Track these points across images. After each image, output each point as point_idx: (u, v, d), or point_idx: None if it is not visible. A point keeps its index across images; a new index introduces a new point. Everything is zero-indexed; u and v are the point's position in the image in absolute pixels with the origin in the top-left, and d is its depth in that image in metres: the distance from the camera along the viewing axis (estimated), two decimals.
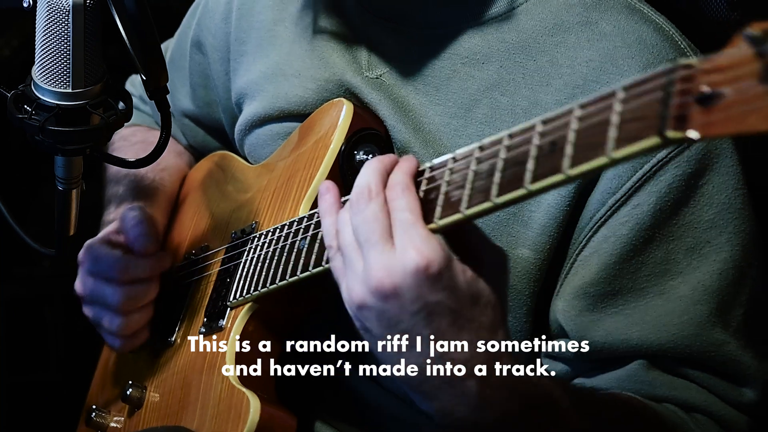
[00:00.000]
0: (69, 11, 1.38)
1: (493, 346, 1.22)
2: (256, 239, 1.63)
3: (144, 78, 1.46)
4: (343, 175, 1.59)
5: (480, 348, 1.22)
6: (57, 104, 1.43)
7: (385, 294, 1.19)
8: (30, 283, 2.93)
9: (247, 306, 1.59)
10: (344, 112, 1.62)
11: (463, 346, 1.21)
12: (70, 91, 1.43)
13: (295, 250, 1.50)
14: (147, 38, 1.41)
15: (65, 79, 1.42)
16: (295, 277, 1.48)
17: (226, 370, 1.55)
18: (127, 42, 1.41)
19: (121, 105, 1.49)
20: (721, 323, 1.46)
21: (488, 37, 1.59)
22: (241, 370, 1.55)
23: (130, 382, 1.74)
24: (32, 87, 1.44)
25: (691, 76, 0.97)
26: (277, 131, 1.77)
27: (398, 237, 1.20)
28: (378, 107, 1.64)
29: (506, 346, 1.24)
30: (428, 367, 1.21)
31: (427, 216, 1.21)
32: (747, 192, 1.50)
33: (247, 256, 1.64)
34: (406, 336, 1.21)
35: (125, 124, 1.51)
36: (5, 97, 1.47)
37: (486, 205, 1.15)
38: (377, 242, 1.20)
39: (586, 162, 1.05)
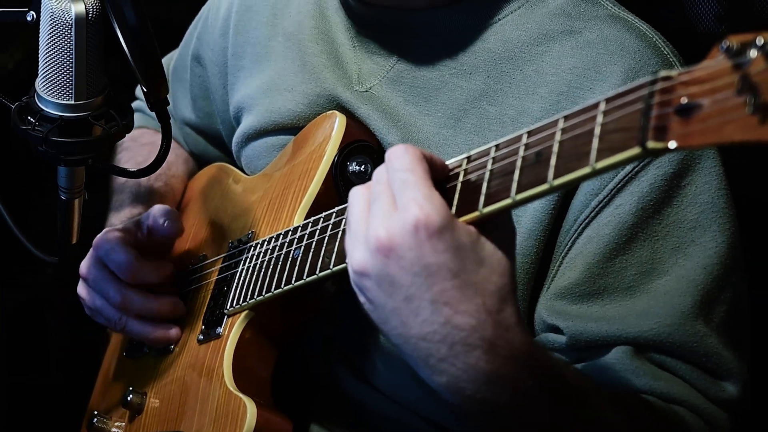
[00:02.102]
0: (72, 25, 1.39)
1: (500, 313, 1.14)
2: (253, 248, 1.64)
3: (145, 90, 1.46)
4: (337, 185, 1.60)
5: (485, 317, 1.13)
6: (60, 116, 1.43)
7: (383, 252, 1.13)
8: (32, 289, 2.92)
9: (243, 314, 1.59)
10: (337, 124, 1.63)
11: (467, 311, 1.12)
12: (72, 102, 1.43)
13: (290, 259, 1.51)
14: (148, 51, 1.42)
15: (68, 91, 1.42)
16: (290, 286, 1.49)
17: (223, 376, 1.55)
18: (128, 55, 1.42)
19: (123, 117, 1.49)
20: (703, 316, 1.45)
21: (474, 48, 1.60)
22: (239, 376, 1.55)
23: (131, 388, 1.73)
24: (36, 99, 1.44)
25: (670, 88, 0.98)
26: (272, 143, 1.78)
27: (399, 196, 1.14)
28: (368, 120, 1.64)
29: (515, 317, 1.15)
30: (432, 336, 1.14)
31: None
32: (730, 193, 1.50)
33: (244, 265, 1.64)
34: (408, 302, 1.13)
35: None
36: (9, 109, 1.47)
37: (474, 214, 1.15)
38: (381, 206, 1.15)
39: (570, 172, 1.05)
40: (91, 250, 1.74)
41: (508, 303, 1.16)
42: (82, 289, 1.76)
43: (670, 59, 1.53)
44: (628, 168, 1.46)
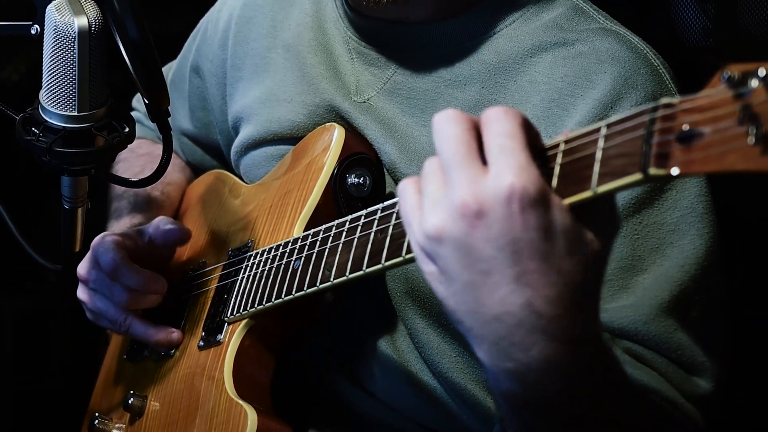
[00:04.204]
0: (75, 38, 1.38)
1: (583, 307, 1.05)
2: (253, 257, 1.63)
3: (146, 102, 1.45)
4: (336, 197, 1.59)
5: (569, 308, 1.03)
6: (63, 126, 1.43)
7: (469, 219, 1.01)
8: (37, 296, 2.92)
9: (244, 322, 1.59)
10: (336, 136, 1.62)
11: (551, 298, 1.02)
12: (75, 114, 1.43)
13: (291, 269, 1.50)
14: (149, 63, 1.41)
15: (71, 102, 1.42)
16: (291, 296, 1.48)
17: (224, 383, 1.54)
18: (130, 67, 1.41)
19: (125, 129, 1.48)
20: (678, 312, 1.45)
21: (470, 59, 1.60)
22: (239, 383, 1.55)
23: (132, 391, 1.73)
24: (39, 110, 1.44)
25: (672, 115, 0.96)
26: (271, 153, 1.77)
27: (495, 162, 1.02)
28: (366, 130, 1.64)
29: (596, 312, 1.07)
30: (508, 317, 1.03)
31: None
32: (711, 199, 1.50)
33: (244, 273, 1.63)
34: (486, 276, 1.02)
35: None
36: (14, 120, 1.47)
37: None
38: (462, 163, 1.03)
39: (571, 196, 1.03)
40: (89, 252, 1.73)
41: (592, 298, 1.08)
42: (82, 293, 1.75)
43: (660, 71, 1.53)
44: None
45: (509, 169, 1.00)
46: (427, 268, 1.07)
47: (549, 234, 1.01)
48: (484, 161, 1.04)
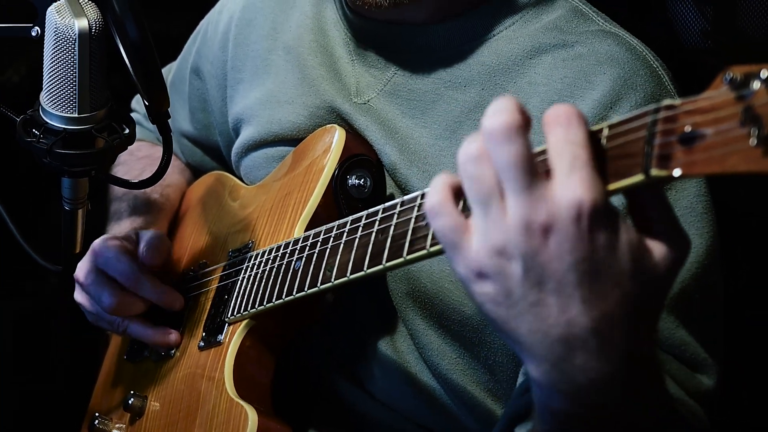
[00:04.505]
0: (75, 40, 1.38)
1: (644, 331, 1.02)
2: (254, 258, 1.63)
3: (146, 103, 1.45)
4: (337, 199, 1.59)
5: (632, 332, 1.00)
6: (64, 128, 1.43)
7: (538, 232, 0.96)
8: (38, 297, 2.92)
9: (244, 322, 1.58)
10: (336, 137, 1.62)
11: (618, 321, 0.98)
12: (76, 115, 1.42)
13: (291, 270, 1.50)
14: (149, 65, 1.41)
15: (72, 104, 1.42)
16: (291, 297, 1.48)
17: (224, 383, 1.54)
18: (130, 69, 1.41)
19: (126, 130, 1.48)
20: (679, 310, 1.45)
21: (469, 61, 1.60)
22: (239, 383, 1.54)
23: (132, 391, 1.73)
24: (40, 112, 1.44)
25: (674, 117, 0.96)
26: (271, 154, 1.77)
27: (564, 170, 0.96)
28: (366, 131, 1.64)
29: (654, 335, 1.05)
30: (574, 340, 0.99)
31: None
32: (710, 200, 1.50)
33: (245, 274, 1.63)
34: (557, 295, 0.98)
35: None
36: (15, 122, 1.47)
37: None
38: (531, 182, 0.97)
39: None
40: (87, 255, 1.73)
41: (653, 320, 1.05)
42: (79, 295, 1.76)
43: (659, 72, 1.53)
44: None
45: (580, 184, 0.96)
46: (484, 289, 1.01)
47: (617, 254, 0.98)
48: (543, 168, 0.99)
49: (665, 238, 1.01)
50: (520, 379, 1.52)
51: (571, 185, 0.96)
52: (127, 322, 1.71)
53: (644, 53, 1.54)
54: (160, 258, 1.75)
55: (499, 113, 0.99)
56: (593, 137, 1.00)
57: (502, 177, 0.98)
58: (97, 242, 1.74)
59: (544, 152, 1.01)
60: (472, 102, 1.57)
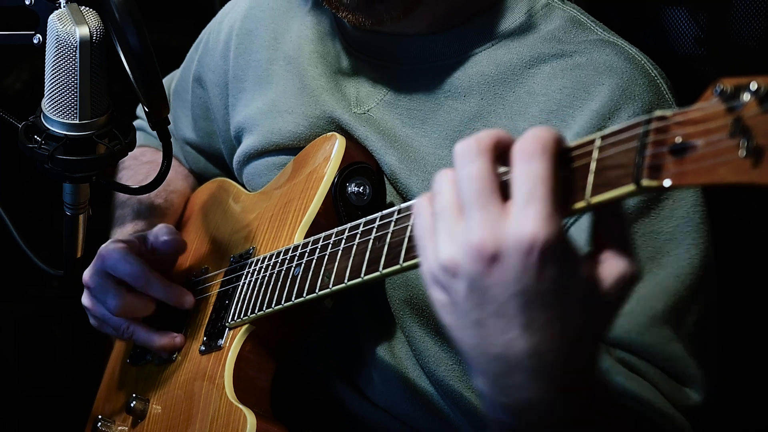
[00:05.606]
0: (76, 48, 1.38)
1: (587, 356, 1.04)
2: (254, 264, 1.63)
3: (146, 110, 1.45)
4: (336, 206, 1.59)
5: (574, 358, 1.02)
6: (65, 134, 1.42)
7: (486, 260, 0.98)
8: (40, 302, 2.93)
9: (244, 327, 1.58)
10: (336, 146, 1.62)
11: (557, 349, 1.01)
12: (77, 122, 1.42)
13: (290, 276, 1.50)
14: (149, 73, 1.41)
15: (73, 111, 1.42)
16: (290, 303, 1.48)
17: (224, 387, 1.54)
18: (131, 76, 1.41)
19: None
20: (672, 322, 1.44)
21: (469, 71, 1.59)
22: (239, 387, 1.54)
23: (134, 394, 1.73)
24: (42, 118, 1.43)
25: (665, 128, 0.96)
26: (273, 162, 1.77)
27: (520, 203, 0.98)
28: (366, 141, 1.63)
29: (597, 360, 1.06)
30: (512, 360, 1.02)
31: None
32: (706, 210, 1.49)
33: (245, 279, 1.63)
34: (497, 318, 1.00)
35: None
36: (17, 128, 1.46)
37: None
38: (483, 204, 0.99)
39: (565, 206, 1.03)
40: (95, 260, 1.73)
41: (596, 346, 1.07)
42: (86, 299, 1.75)
43: (658, 81, 1.52)
44: None
45: (534, 219, 0.97)
46: (436, 295, 1.05)
47: (564, 288, 0.99)
48: (504, 195, 1.01)
49: (620, 260, 1.03)
50: None
51: (524, 219, 0.98)
52: (133, 327, 1.71)
53: (643, 62, 1.53)
54: (175, 244, 1.75)
55: (475, 138, 1.02)
56: (578, 154, 1.01)
57: (461, 194, 1.02)
58: (104, 247, 1.74)
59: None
60: (472, 111, 1.57)
